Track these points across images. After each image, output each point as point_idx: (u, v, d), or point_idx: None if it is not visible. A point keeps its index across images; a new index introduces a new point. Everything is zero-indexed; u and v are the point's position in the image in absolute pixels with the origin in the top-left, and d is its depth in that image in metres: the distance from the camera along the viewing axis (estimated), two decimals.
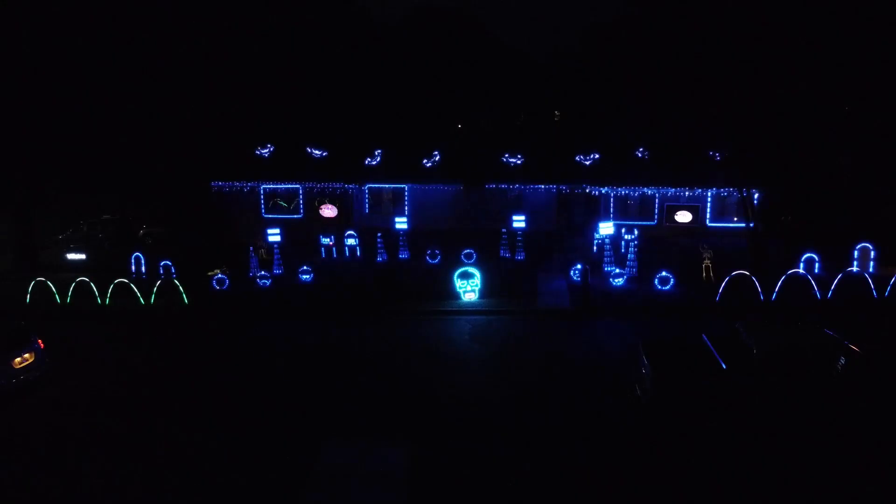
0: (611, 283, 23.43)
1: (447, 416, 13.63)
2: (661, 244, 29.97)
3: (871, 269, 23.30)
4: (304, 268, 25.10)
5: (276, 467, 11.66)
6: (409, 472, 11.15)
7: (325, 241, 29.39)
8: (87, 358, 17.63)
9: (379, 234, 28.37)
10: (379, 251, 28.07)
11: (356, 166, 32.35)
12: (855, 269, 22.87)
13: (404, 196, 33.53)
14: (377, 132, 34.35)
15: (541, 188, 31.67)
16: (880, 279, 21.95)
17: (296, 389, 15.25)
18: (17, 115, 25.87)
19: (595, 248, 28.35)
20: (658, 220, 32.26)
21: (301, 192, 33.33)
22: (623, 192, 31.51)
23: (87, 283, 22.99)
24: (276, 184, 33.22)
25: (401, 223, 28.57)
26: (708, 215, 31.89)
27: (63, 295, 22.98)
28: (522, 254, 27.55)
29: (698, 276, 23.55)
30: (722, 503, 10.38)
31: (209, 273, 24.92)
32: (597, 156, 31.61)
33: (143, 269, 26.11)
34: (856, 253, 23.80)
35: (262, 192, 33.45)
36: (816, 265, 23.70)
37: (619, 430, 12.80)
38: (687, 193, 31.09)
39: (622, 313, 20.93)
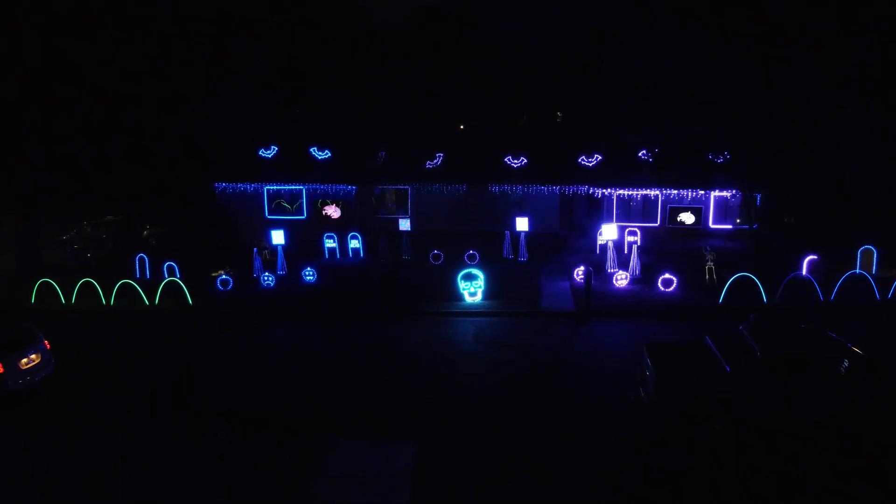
0: (614, 285, 23.48)
1: (451, 417, 13.68)
2: (663, 246, 30.03)
3: (873, 271, 23.33)
4: (308, 269, 25.17)
5: (281, 467, 11.72)
6: (412, 471, 11.21)
7: (329, 242, 29.48)
8: (93, 359, 17.70)
9: (382, 236, 28.45)
10: (382, 252, 28.14)
11: (359, 167, 32.42)
12: (857, 270, 22.90)
13: (407, 197, 33.60)
14: (380, 133, 34.44)
15: (544, 189, 31.73)
16: (883, 281, 21.98)
17: (300, 390, 15.31)
18: (20, 116, 25.95)
19: (598, 249, 28.43)
20: (661, 221, 32.33)
21: (304, 193, 33.41)
22: (626, 193, 31.56)
23: (92, 284, 23.06)
24: (280, 185, 33.32)
25: (404, 224, 28.65)
26: (711, 217, 31.95)
27: (68, 295, 23.07)
28: (525, 255, 27.62)
29: (701, 278, 23.59)
30: None
31: (213, 274, 25.00)
32: (599, 157, 31.68)
33: (147, 269, 26.19)
34: (858, 255, 23.83)
35: (265, 193, 33.54)
36: (819, 267, 23.70)
37: (623, 432, 12.84)
38: (690, 195, 31.14)
39: (625, 315, 20.96)
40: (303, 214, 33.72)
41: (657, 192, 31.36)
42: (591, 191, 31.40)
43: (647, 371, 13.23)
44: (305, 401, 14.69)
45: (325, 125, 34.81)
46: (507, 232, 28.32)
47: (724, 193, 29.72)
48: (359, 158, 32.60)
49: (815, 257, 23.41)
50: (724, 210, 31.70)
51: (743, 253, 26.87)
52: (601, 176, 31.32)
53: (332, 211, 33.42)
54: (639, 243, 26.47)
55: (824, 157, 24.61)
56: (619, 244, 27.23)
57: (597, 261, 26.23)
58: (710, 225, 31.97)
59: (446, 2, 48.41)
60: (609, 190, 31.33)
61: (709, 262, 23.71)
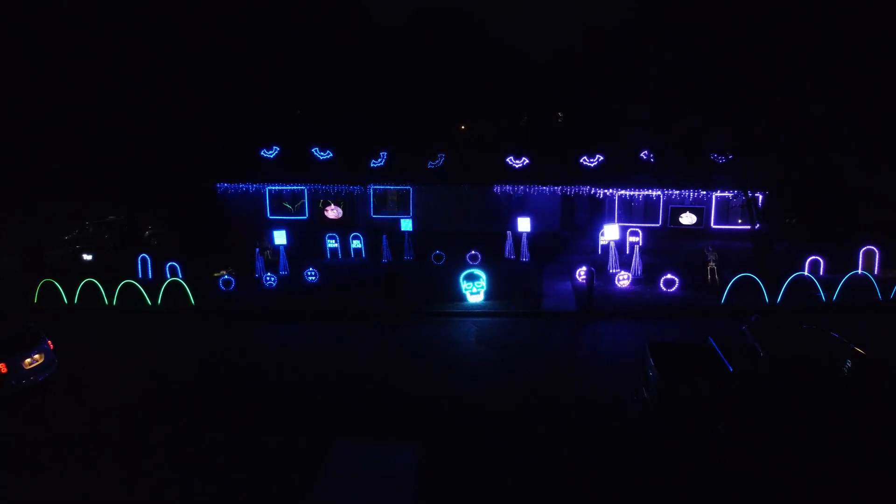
0: (616, 285, 23.49)
1: (454, 418, 13.70)
2: (665, 246, 30.04)
3: (875, 272, 23.34)
4: (310, 269, 25.19)
5: (282, 468, 11.74)
6: (416, 472, 11.22)
7: (331, 242, 29.51)
8: (96, 359, 17.72)
9: (384, 236, 28.48)
10: (384, 252, 28.17)
11: (361, 168, 32.46)
12: (860, 271, 22.90)
13: (409, 197, 33.62)
14: (382, 134, 34.48)
15: (545, 190, 31.73)
16: (885, 281, 22.00)
17: (302, 391, 15.33)
18: (21, 117, 25.96)
19: (600, 249, 28.44)
20: (662, 222, 32.33)
21: (306, 193, 33.44)
22: (627, 194, 31.56)
23: (95, 284, 23.09)
24: (282, 185, 33.35)
25: (406, 224, 28.68)
26: (712, 217, 31.96)
27: (70, 296, 23.09)
28: (527, 255, 27.63)
29: (703, 279, 23.60)
30: None
31: (215, 274, 25.02)
32: (601, 158, 31.68)
33: (150, 270, 26.21)
34: (860, 255, 23.84)
35: (267, 193, 33.57)
36: (821, 267, 23.74)
37: (627, 432, 12.85)
38: (691, 195, 31.14)
39: (627, 315, 20.97)
40: (305, 215, 33.75)
41: (659, 193, 31.36)
42: (592, 191, 31.40)
43: (650, 371, 13.24)
44: (307, 401, 14.70)
45: (326, 125, 34.84)
46: (509, 232, 28.34)
47: (726, 194, 29.69)
48: (361, 159, 32.63)
49: (818, 258, 23.42)
50: (725, 210, 31.71)
51: (745, 253, 26.85)
52: (603, 176, 31.32)
53: (334, 211, 33.44)
54: (640, 244, 26.47)
55: (828, 158, 24.57)
56: (620, 244, 27.24)
57: (599, 261, 26.24)
58: (712, 225, 31.98)
59: (446, 2, 48.44)
60: (611, 190, 31.33)
61: (711, 263, 23.72)
